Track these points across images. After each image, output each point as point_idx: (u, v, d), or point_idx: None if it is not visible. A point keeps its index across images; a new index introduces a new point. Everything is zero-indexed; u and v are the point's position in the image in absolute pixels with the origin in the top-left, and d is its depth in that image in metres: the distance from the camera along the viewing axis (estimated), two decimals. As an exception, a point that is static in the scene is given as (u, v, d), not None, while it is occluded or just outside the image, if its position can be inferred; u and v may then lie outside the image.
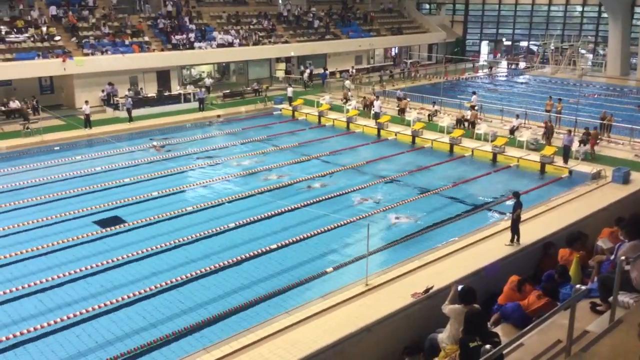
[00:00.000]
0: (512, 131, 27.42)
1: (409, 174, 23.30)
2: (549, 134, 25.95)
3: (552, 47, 52.84)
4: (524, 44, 60.83)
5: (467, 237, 16.07)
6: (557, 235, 15.64)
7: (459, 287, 9.25)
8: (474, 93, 33.04)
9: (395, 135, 28.97)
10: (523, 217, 17.08)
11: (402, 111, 31.70)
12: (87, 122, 28.65)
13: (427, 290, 12.47)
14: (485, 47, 62.15)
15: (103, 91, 32.42)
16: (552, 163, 23.43)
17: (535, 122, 29.91)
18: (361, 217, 18.39)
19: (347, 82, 38.70)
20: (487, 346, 5.82)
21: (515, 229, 15.08)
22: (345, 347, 9.01)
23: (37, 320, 12.68)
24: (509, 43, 61.23)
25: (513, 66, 54.85)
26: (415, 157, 26.21)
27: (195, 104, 33.83)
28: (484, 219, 18.46)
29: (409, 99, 33.87)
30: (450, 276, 13.16)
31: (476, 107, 30.86)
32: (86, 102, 28.98)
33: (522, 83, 47.09)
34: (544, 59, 55.09)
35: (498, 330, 9.82)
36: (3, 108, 30.00)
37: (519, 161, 24.36)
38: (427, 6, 63.30)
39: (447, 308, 9.04)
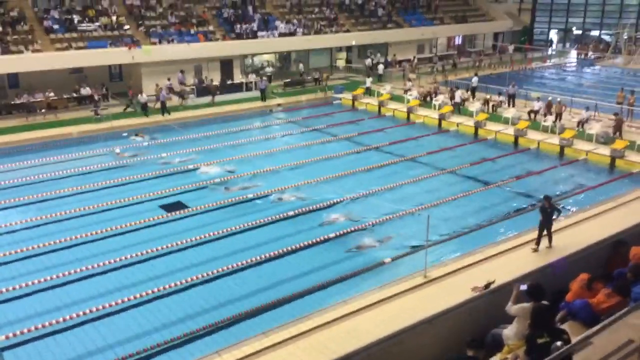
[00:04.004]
0: (581, 124, 26.36)
1: (471, 166, 22.81)
2: (617, 127, 24.81)
3: (625, 37, 50.35)
4: (595, 33, 58.22)
5: (530, 232, 15.58)
6: (628, 233, 14.94)
7: (522, 286, 8.98)
8: (513, 85, 31.38)
9: (457, 126, 28.42)
10: (591, 213, 16.49)
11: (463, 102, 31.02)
12: (146, 109, 29.56)
13: (488, 285, 12.19)
14: (554, 36, 59.87)
15: (169, 79, 33.24)
16: (622, 157, 22.42)
17: (605, 114, 28.67)
18: (420, 207, 18.17)
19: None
20: (558, 343, 5.62)
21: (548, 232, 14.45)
22: (404, 338, 8.93)
23: (105, 299, 13.23)
24: (579, 32, 58.75)
25: (583, 56, 52.64)
26: (477, 149, 25.64)
27: (257, 93, 34.21)
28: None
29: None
30: (512, 271, 12.80)
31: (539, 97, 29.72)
32: (159, 87, 29.86)
33: (592, 74, 45.19)
34: (616, 49, 52.58)
35: (565, 327, 9.49)
36: (75, 95, 31.23)
37: (588, 155, 23.43)
38: (494, -7, 61.46)
39: (514, 308, 8.78)
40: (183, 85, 33.36)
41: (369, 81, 35.57)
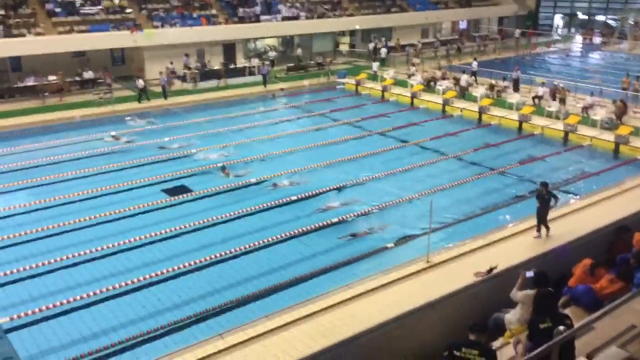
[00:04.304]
0: (585, 109, 26.21)
1: (474, 152, 22.75)
2: (619, 113, 24.67)
3: (632, 22, 49.87)
4: (600, 18, 57.68)
5: (533, 218, 15.52)
6: (631, 220, 14.93)
7: (528, 273, 8.99)
8: (516, 70, 31.48)
9: (461, 111, 28.30)
10: (595, 199, 16.43)
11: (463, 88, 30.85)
12: (144, 94, 29.29)
13: (490, 270, 12.22)
14: (559, 21, 59.34)
15: (171, 63, 33.11)
16: (627, 143, 22.32)
17: (610, 100, 28.48)
18: (423, 193, 18.16)
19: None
20: (561, 328, 5.64)
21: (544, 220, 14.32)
22: (407, 322, 8.99)
23: (108, 281, 13.30)
24: (585, 17, 58.22)
25: (588, 41, 52.22)
26: (481, 134, 25.55)
27: (260, 77, 34.03)
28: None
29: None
30: (514, 257, 12.84)
31: (545, 83, 29.59)
32: (161, 72, 29.74)
33: (597, 59, 44.86)
34: (622, 34, 52.11)
35: (567, 312, 9.53)
36: (78, 78, 31.13)
37: (592, 141, 23.34)
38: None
39: (519, 294, 8.81)
40: (188, 68, 33.17)
41: (375, 65, 35.34)
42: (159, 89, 30.31)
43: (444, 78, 32.32)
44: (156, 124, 26.49)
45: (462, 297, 9.83)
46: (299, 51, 39.97)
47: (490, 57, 42.42)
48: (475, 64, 33.82)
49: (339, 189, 18.82)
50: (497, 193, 18.60)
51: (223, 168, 20.27)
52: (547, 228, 14.14)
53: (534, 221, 15.01)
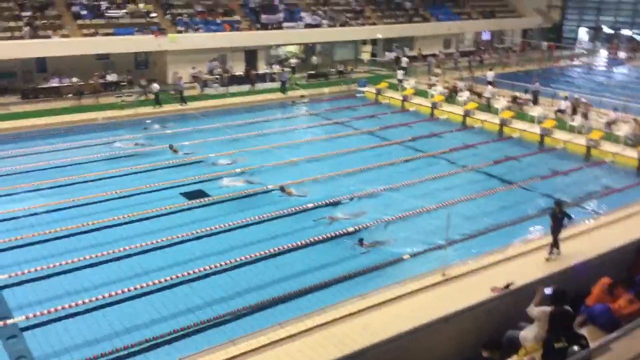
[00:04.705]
0: (609, 125, 25.82)
1: (494, 164, 22.53)
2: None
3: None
4: (626, 32, 56.93)
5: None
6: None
7: (547, 290, 8.83)
8: (536, 82, 31.35)
9: (482, 123, 28.08)
10: (616, 216, 16.18)
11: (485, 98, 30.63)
12: (157, 100, 29.31)
13: (507, 286, 12.06)
14: (584, 34, 58.71)
15: (193, 68, 33.41)
16: (651, 160, 21.96)
17: (635, 116, 28.01)
18: (440, 205, 18.00)
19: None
20: (575, 348, 5.52)
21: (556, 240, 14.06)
22: (420, 336, 8.86)
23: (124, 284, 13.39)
24: (611, 31, 57.54)
25: (613, 56, 51.57)
26: (502, 147, 25.33)
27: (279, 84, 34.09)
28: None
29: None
30: (532, 273, 12.65)
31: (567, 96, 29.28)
32: (180, 77, 29.98)
33: (622, 74, 44.29)
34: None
35: (583, 332, 9.35)
36: (101, 81, 31.52)
37: (615, 157, 22.99)
38: (524, -11, 60.42)
39: (536, 311, 8.64)
40: (210, 74, 33.36)
41: (400, 74, 35.25)
42: (192, 92, 30.64)
43: (470, 90, 32.04)
44: (174, 128, 26.69)
45: (478, 312, 9.66)
46: (313, 59, 40.02)
47: (513, 69, 42.10)
48: (491, 75, 33.75)
49: (355, 198, 18.75)
50: (516, 207, 18.39)
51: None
52: (558, 246, 13.91)
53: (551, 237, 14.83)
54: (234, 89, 33.18)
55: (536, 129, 26.14)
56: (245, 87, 33.61)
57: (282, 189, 19.12)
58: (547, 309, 8.45)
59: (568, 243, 14.67)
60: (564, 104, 28.25)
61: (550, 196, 19.27)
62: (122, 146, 23.72)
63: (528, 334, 8.73)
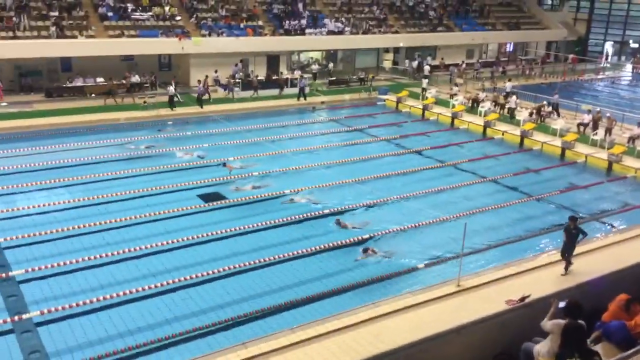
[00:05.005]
0: (632, 140, 25.43)
1: (513, 176, 22.32)
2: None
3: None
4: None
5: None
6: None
7: (561, 303, 8.71)
8: (555, 94, 31.63)
9: (503, 134, 27.85)
10: (636, 232, 15.91)
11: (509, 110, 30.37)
12: (173, 102, 29.45)
13: (523, 299, 11.91)
14: (609, 48, 58.01)
15: (216, 71, 33.68)
16: (675, 177, 21.57)
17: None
18: (457, 215, 17.87)
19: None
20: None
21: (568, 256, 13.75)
22: (431, 346, 8.80)
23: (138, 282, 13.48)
24: (636, 45, 56.75)
25: (638, 70, 50.85)
26: (522, 158, 25.10)
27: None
28: (589, 231, 17.28)
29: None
30: (548, 287, 12.50)
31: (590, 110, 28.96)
32: (199, 80, 30.25)
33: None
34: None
35: (598, 349, 9.19)
36: (124, 82, 31.90)
37: (637, 172, 22.62)
38: (549, 1, 59.99)
39: (549, 324, 8.52)
40: (233, 78, 33.56)
41: (425, 82, 35.20)
42: (213, 95, 31.06)
43: (494, 101, 31.81)
44: (194, 130, 26.87)
45: (491, 324, 9.57)
46: (330, 65, 40.11)
47: (536, 81, 41.74)
48: (509, 85, 33.71)
49: (371, 206, 18.69)
50: (534, 220, 18.18)
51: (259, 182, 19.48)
52: (570, 263, 13.66)
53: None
54: (271, 92, 33.48)
55: (557, 142, 25.85)
56: (266, 92, 33.73)
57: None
58: (561, 322, 8.34)
59: (586, 257, 14.44)
60: (587, 118, 27.90)
61: (570, 209, 19.06)
62: (141, 147, 23.92)
63: (542, 348, 8.63)
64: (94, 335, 11.59)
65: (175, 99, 29.94)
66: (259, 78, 34.53)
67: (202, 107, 29.97)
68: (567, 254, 13.63)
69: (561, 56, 50.34)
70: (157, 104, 29.38)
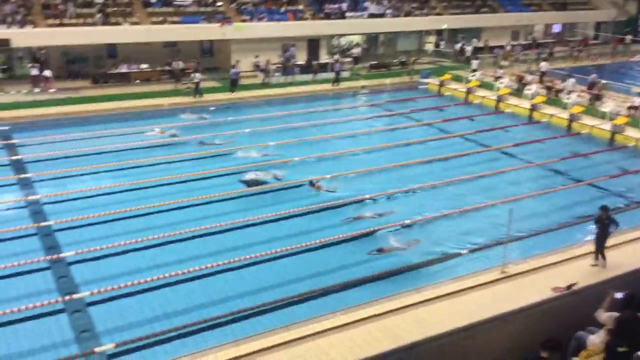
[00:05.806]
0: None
1: (560, 161, 21.74)
2: None
3: None
4: None
5: (620, 234, 14.58)
6: None
7: (617, 294, 8.45)
8: (593, 73, 31.17)
9: (550, 117, 27.11)
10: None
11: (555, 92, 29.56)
12: (197, 91, 29.05)
13: (570, 286, 11.66)
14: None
15: (256, 56, 33.78)
16: None
17: None
18: (502, 201, 17.53)
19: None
20: (639, 353, 5.25)
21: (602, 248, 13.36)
22: (476, 333, 8.68)
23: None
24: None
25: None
26: (570, 143, 24.42)
27: (343, 74, 33.81)
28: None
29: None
30: (597, 275, 12.19)
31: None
32: (233, 65, 30.48)
33: None
34: None
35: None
36: (168, 68, 32.31)
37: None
38: (598, -20, 57.75)
39: (604, 316, 8.29)
40: (288, 61, 33.55)
41: (475, 63, 34.63)
42: (248, 81, 30.93)
43: (541, 82, 31.09)
44: (234, 115, 26.95)
45: (536, 312, 9.37)
46: (358, 50, 39.36)
47: (584, 63, 40.45)
48: (544, 65, 33.28)
49: (413, 191, 18.52)
50: (581, 206, 17.68)
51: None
52: (604, 257, 13.25)
53: (619, 237, 14.23)
54: (295, 78, 33.41)
55: (607, 126, 25.03)
56: (307, 77, 33.67)
57: (311, 183, 18.72)
58: (616, 315, 8.10)
59: (631, 244, 14.03)
60: (638, 101, 26.90)
61: (620, 195, 18.50)
62: (181, 133, 24.16)
63: (597, 338, 8.40)
64: (140, 315, 11.87)
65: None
66: (298, 63, 34.51)
67: (232, 92, 29.92)
68: (599, 245, 13.24)
69: (609, 37, 48.53)
70: (201, 90, 29.57)
